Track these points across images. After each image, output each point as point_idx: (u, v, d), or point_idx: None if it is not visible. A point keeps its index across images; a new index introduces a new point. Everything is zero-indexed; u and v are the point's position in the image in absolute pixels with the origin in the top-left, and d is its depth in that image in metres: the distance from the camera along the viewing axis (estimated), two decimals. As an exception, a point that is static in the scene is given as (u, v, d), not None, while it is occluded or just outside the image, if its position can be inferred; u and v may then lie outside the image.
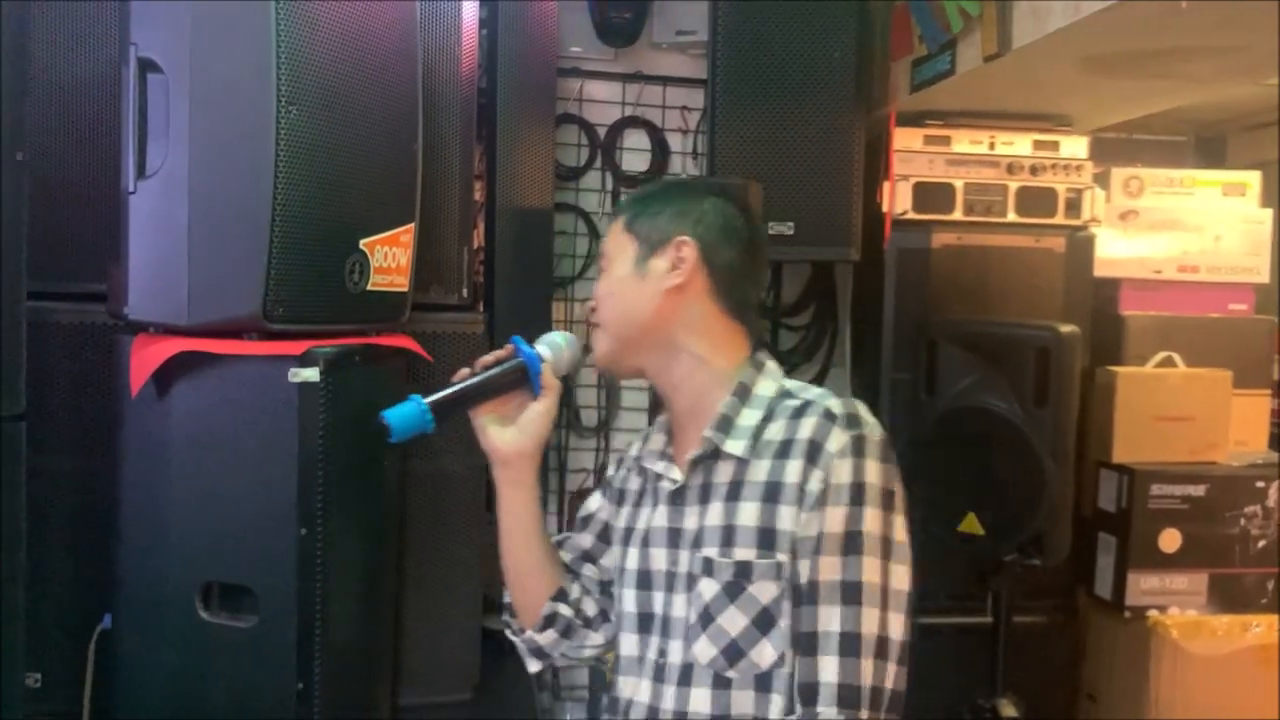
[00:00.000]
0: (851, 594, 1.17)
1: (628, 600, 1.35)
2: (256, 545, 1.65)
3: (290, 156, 1.63)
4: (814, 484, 1.20)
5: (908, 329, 2.48)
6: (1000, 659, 2.30)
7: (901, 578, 1.19)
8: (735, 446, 1.27)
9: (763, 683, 1.21)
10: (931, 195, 2.51)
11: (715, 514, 1.26)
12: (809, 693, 1.17)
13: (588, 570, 1.49)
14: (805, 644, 1.18)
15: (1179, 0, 1.59)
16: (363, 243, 1.80)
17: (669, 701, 1.26)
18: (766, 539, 1.22)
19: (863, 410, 1.25)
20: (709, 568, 1.24)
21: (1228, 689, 2.34)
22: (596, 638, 1.47)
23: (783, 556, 1.20)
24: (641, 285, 1.34)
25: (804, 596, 1.19)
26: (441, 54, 2.16)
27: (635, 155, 2.94)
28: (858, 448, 1.20)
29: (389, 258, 1.87)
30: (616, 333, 1.36)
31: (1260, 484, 2.41)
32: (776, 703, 1.21)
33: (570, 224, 2.89)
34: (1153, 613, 2.42)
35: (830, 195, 2.37)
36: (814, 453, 1.21)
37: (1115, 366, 2.48)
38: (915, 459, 2.03)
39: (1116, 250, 2.55)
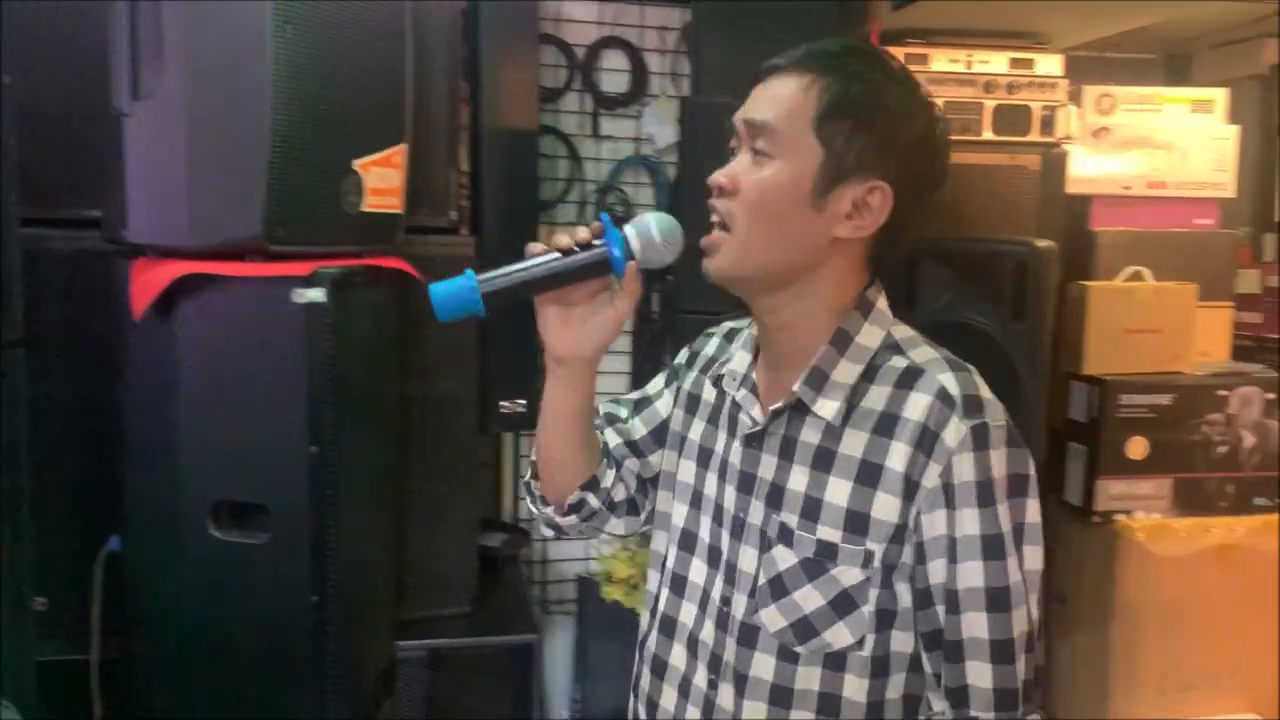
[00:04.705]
0: (999, 600, 1.07)
1: (704, 528, 1.23)
2: (267, 464, 1.68)
3: (286, 76, 1.63)
4: (930, 479, 1.06)
5: (887, 246, 2.52)
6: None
7: (1035, 558, 1.10)
8: (826, 409, 1.11)
9: (834, 661, 1.12)
10: (910, 113, 2.53)
11: (798, 478, 1.13)
12: (960, 696, 1.09)
13: (630, 463, 1.35)
14: (951, 650, 1.09)
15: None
16: (357, 163, 1.81)
17: (730, 655, 1.17)
18: (857, 523, 1.09)
19: (981, 387, 1.09)
20: (787, 537, 1.13)
21: (1189, 588, 2.44)
22: (617, 525, 1.36)
23: (873, 545, 1.09)
24: (810, 219, 1.09)
25: (944, 602, 1.09)
26: (425, -28, 2.13)
27: (614, 76, 2.93)
28: (980, 440, 1.06)
29: (383, 178, 1.87)
30: (749, 255, 1.11)
31: (1222, 393, 2.48)
32: (850, 682, 1.12)
33: (550, 146, 2.89)
34: (1120, 517, 2.51)
35: (813, 115, 2.38)
36: (927, 442, 1.06)
37: (1087, 281, 2.54)
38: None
39: (1088, 167, 2.60)
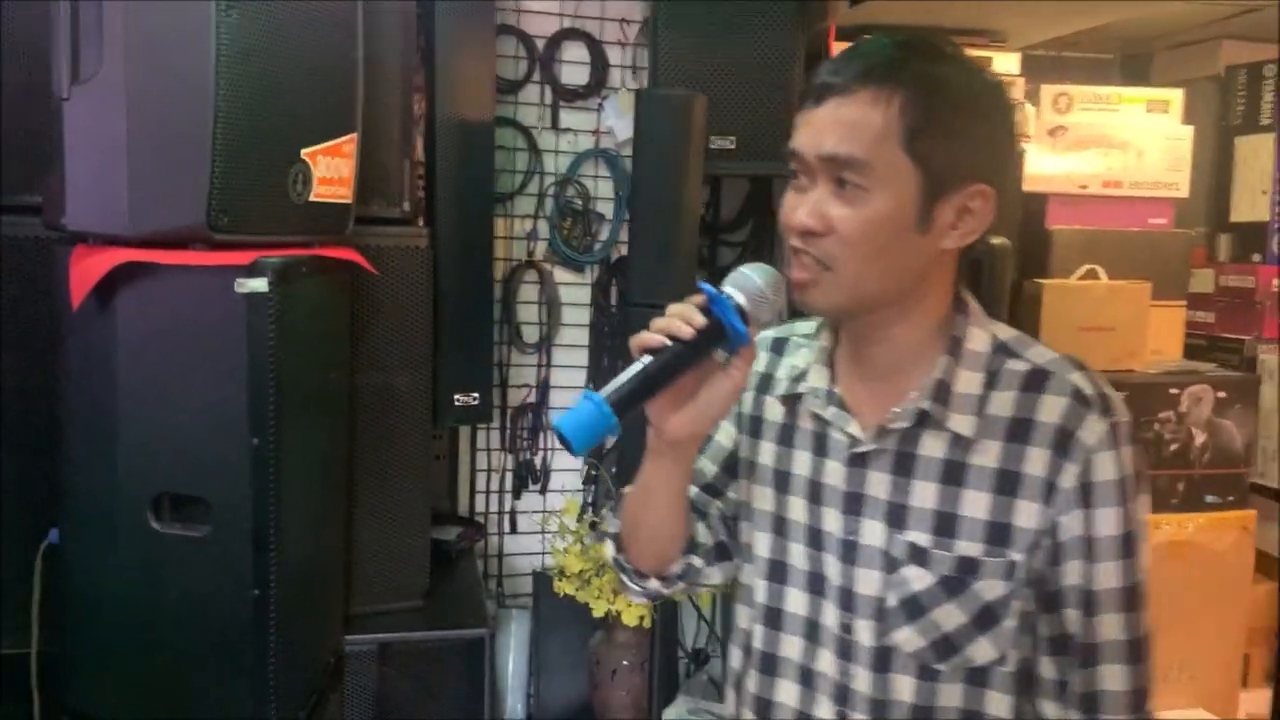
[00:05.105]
0: (1134, 599, 1.06)
1: (796, 555, 1.18)
2: (208, 456, 1.65)
3: (230, 62, 1.59)
4: (1067, 480, 1.04)
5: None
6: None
7: (1146, 556, 1.09)
8: (961, 424, 1.07)
9: (976, 677, 1.09)
10: (868, 110, 2.53)
11: (925, 494, 1.08)
12: (1092, 702, 1.07)
13: (714, 508, 1.30)
14: (1086, 654, 1.07)
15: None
16: (305, 152, 1.78)
17: (863, 685, 1.11)
18: (999, 535, 1.06)
19: (1106, 383, 1.07)
20: (920, 556, 1.08)
21: (1140, 583, 2.47)
22: (713, 574, 1.30)
23: (1016, 555, 1.06)
24: (917, 241, 1.04)
25: (1080, 604, 1.07)
26: (379, -41, 2.11)
27: (574, 68, 2.91)
28: (1117, 438, 1.04)
29: (332, 168, 1.85)
30: (858, 290, 1.06)
31: (1173, 391, 2.51)
32: (993, 699, 1.09)
33: (509, 138, 2.87)
34: (1072, 513, 2.53)
35: (770, 110, 2.39)
36: (1065, 444, 1.04)
37: (1041, 279, 2.56)
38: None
39: (1045, 166, 2.62)
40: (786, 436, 1.20)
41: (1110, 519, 1.05)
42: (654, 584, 1.28)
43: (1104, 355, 2.54)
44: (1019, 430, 1.06)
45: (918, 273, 1.07)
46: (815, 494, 1.16)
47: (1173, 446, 2.53)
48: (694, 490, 1.29)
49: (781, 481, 1.20)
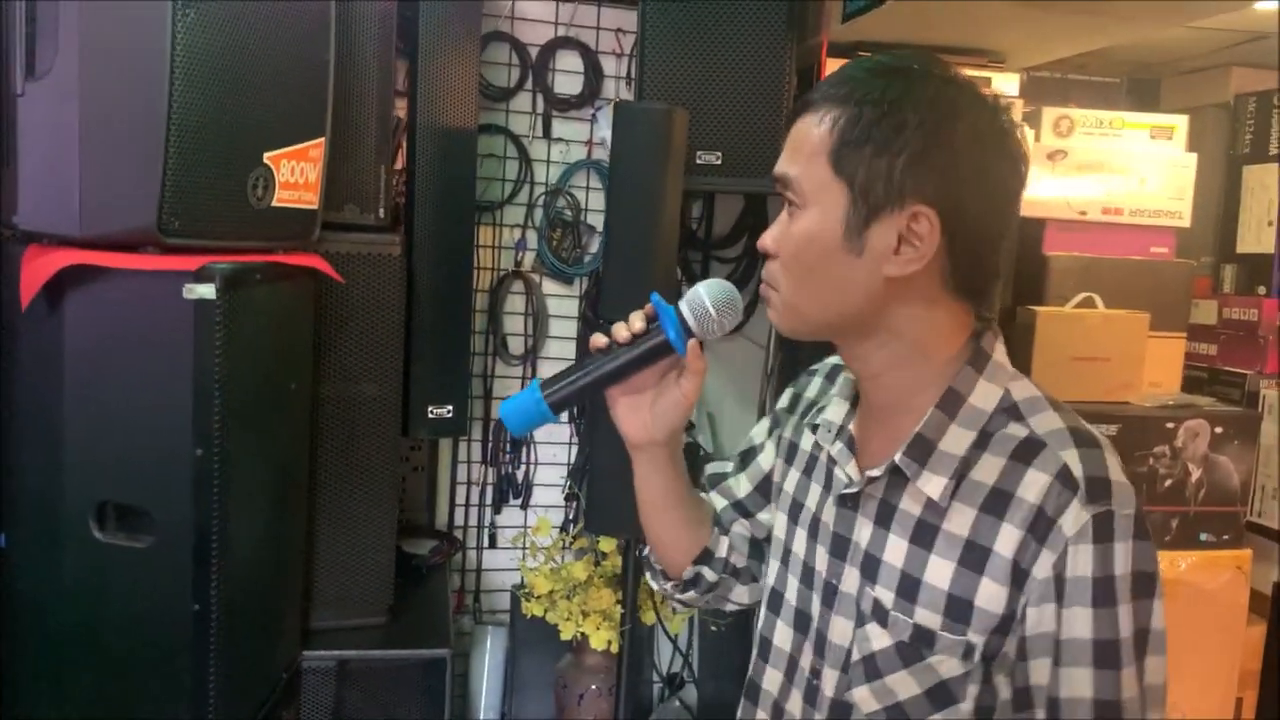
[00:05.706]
0: (1107, 714, 0.94)
1: (790, 589, 1.15)
2: (152, 465, 1.61)
3: (187, 62, 1.55)
4: (1042, 569, 0.94)
5: (834, 263, 2.47)
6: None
7: (1158, 671, 0.96)
8: (931, 485, 1.00)
9: None
10: (861, 128, 2.47)
11: (895, 550, 1.02)
12: None
13: (739, 527, 1.29)
14: None
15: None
16: (267, 156, 1.74)
17: None
18: (958, 611, 0.98)
19: (1111, 467, 0.95)
20: (881, 615, 1.02)
21: (1129, 621, 2.40)
22: (741, 594, 1.30)
23: (975, 637, 0.97)
24: (851, 263, 0.98)
25: (1045, 708, 0.96)
26: (358, -38, 2.07)
27: (567, 77, 2.87)
28: (1102, 530, 0.92)
29: (296, 173, 1.81)
30: (799, 313, 1.04)
31: (1170, 425, 2.44)
32: None
33: (499, 146, 2.83)
34: (1061, 548, 2.46)
35: (760, 125, 2.33)
36: (1042, 528, 0.93)
37: (1036, 306, 2.50)
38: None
39: (1043, 190, 2.55)
40: (809, 466, 1.18)
41: (1081, 621, 0.93)
42: (669, 587, 1.30)
43: (1098, 387, 2.47)
44: (996, 502, 0.97)
45: (863, 299, 1.00)
46: (814, 529, 1.13)
47: (1167, 482, 2.46)
48: (721, 503, 1.31)
49: (794, 511, 1.18)
